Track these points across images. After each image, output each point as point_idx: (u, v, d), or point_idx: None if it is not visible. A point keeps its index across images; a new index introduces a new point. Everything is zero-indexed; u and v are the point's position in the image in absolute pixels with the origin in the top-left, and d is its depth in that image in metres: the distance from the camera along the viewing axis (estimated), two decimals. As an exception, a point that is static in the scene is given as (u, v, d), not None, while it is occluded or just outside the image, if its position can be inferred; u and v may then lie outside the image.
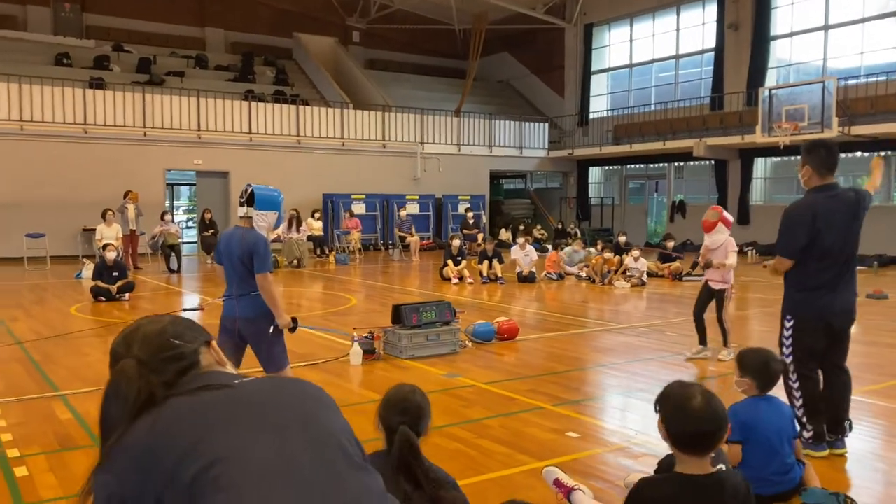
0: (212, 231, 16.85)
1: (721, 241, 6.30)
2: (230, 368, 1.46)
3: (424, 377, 6.07)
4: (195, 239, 20.64)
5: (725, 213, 6.37)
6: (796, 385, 3.75)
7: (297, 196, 19.01)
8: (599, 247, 14.25)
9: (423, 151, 21.75)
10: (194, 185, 21.68)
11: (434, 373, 6.20)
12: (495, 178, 25.49)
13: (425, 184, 21.59)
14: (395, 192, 20.79)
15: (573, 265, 14.09)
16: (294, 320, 4.31)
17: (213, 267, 4.92)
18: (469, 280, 12.88)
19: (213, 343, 1.46)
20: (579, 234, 21.64)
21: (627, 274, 13.00)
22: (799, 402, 3.78)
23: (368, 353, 6.56)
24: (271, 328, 4.23)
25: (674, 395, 1.93)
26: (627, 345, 7.67)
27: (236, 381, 1.36)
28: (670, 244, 14.05)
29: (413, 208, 20.32)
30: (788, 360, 3.83)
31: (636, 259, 12.93)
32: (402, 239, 17.83)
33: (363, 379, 6.30)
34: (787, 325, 3.81)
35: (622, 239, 14.58)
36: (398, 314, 6.79)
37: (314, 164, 19.98)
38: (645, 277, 12.95)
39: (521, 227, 22.08)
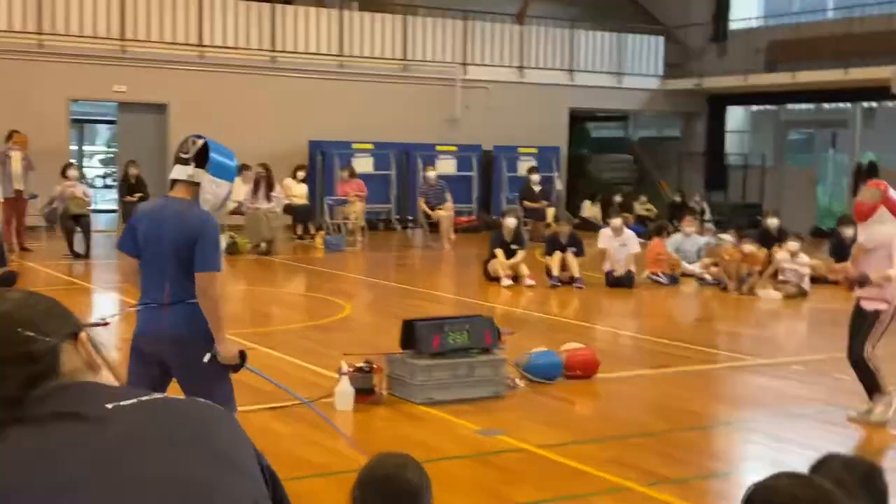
0: (139, 195, 17.22)
1: (884, 238, 6.19)
2: (106, 376, 1.47)
3: (448, 434, 6.15)
4: (114, 207, 21.09)
5: (891, 190, 6.30)
6: None
7: (268, 145, 19.27)
8: (736, 235, 14.13)
9: (466, 77, 21.89)
10: (114, 123, 22.18)
11: (463, 427, 6.28)
12: (578, 121, 25.50)
13: (468, 129, 21.74)
14: (420, 141, 20.98)
15: (693, 260, 14.08)
16: (242, 355, 4.40)
17: (122, 261, 5.00)
18: (529, 281, 12.96)
19: (84, 336, 1.44)
20: (706, 212, 21.52)
21: (780, 278, 12.88)
22: None
23: (364, 394, 6.66)
24: (206, 357, 4.31)
25: (766, 498, 1.85)
26: (772, 391, 7.69)
27: (109, 407, 1.36)
28: (848, 230, 13.83)
29: (447, 166, 20.46)
30: None
31: (794, 255, 12.84)
32: (429, 213, 17.98)
33: (353, 435, 6.39)
34: None
35: (773, 222, 14.39)
36: (411, 334, 6.87)
37: (297, 94, 20.25)
38: (807, 283, 12.85)
39: (618, 200, 22.03)
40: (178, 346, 4.29)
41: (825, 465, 2.38)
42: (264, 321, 10.48)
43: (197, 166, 4.36)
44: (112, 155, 27.54)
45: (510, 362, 7.33)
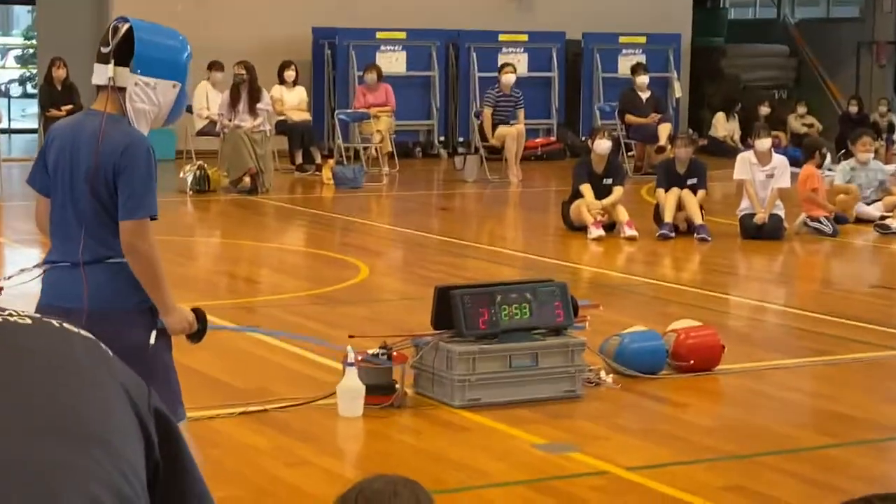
0: (68, 108, 17.39)
1: None
2: None
3: (498, 450, 6.20)
4: (34, 125, 21.32)
5: None
6: None
7: (252, 34, 19.37)
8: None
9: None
10: (33, 3, 22.31)
11: (520, 441, 6.33)
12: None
13: (545, 8, 21.63)
14: (475, 28, 20.92)
15: (872, 200, 14.01)
16: (199, 316, 4.56)
17: (37, 202, 5.09)
18: (629, 230, 12.96)
19: None
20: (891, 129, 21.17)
21: None
22: None
23: (380, 393, 6.74)
24: (152, 336, 4.43)
25: None
26: None
27: None
28: None
29: (515, 64, 20.26)
30: None
31: None
32: (486, 133, 17.93)
33: (363, 452, 6.50)
34: None
35: None
36: (448, 308, 6.92)
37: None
38: None
39: (765, 112, 21.78)
40: (99, 321, 4.14)
41: None
42: (247, 290, 10.64)
43: (119, 63, 4.40)
44: (32, 50, 27.83)
45: (593, 348, 7.38)
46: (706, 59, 23.76)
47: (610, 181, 13.26)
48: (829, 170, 15.36)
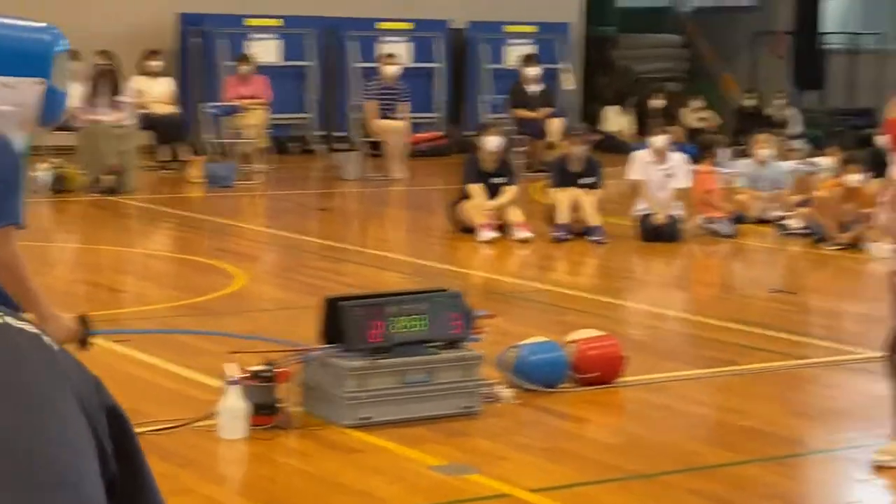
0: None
1: None
2: None
3: (392, 473, 6.21)
4: None
5: None
6: None
7: (112, 21, 19.16)
8: (838, 160, 14.28)
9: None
10: None
11: (417, 463, 6.34)
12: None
13: (427, -5, 21.70)
14: (354, 15, 20.91)
15: (769, 198, 14.26)
16: (82, 322, 4.59)
17: None
18: (522, 233, 13.06)
19: None
20: (793, 123, 21.63)
21: (903, 225, 13.02)
22: None
23: (264, 412, 6.70)
24: None
25: None
26: (885, 400, 7.76)
27: None
28: None
29: (399, 52, 20.29)
30: None
31: (924, 190, 12.97)
32: (368, 128, 17.94)
33: (246, 477, 6.43)
34: None
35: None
36: (337, 320, 6.92)
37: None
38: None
39: (658, 105, 22.07)
40: None
41: None
42: (109, 300, 10.48)
43: None
44: None
45: (490, 361, 7.40)
46: (597, 50, 24.02)
47: (501, 180, 13.32)
48: (724, 167, 15.65)
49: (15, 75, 4.36)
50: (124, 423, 1.49)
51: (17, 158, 4.38)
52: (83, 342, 4.59)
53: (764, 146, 14.64)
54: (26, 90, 4.38)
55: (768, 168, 14.50)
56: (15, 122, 4.39)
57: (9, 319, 1.46)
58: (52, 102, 4.46)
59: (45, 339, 1.48)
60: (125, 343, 8.31)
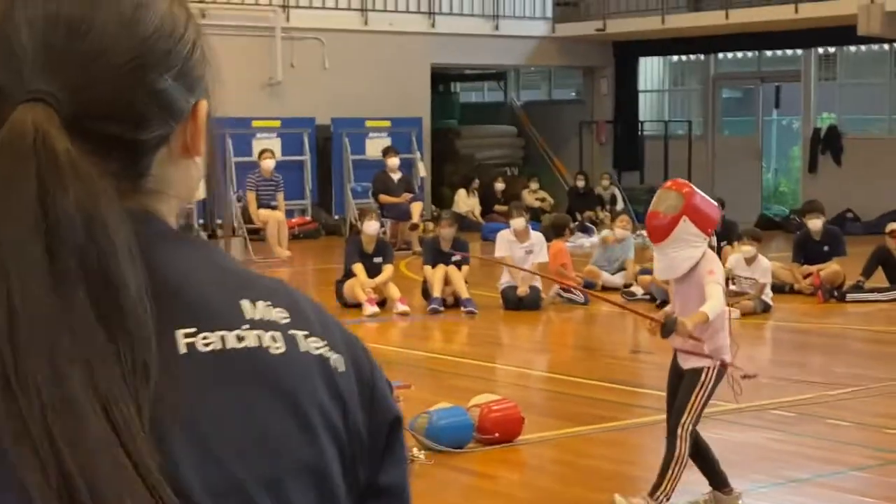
0: None
1: (688, 263, 5.92)
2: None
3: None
4: None
5: (698, 195, 6.04)
6: None
7: None
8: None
9: (290, 25, 21.67)
10: None
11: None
12: (443, 81, 25.34)
13: (295, 96, 21.50)
14: (229, 115, 19.85)
15: (612, 269, 14.25)
16: None
17: None
18: (401, 306, 12.83)
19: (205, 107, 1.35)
20: (619, 200, 21.73)
21: (732, 289, 12.94)
22: None
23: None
24: None
25: None
26: (756, 447, 7.68)
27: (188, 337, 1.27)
28: (815, 223, 14.13)
29: (271, 147, 19.86)
30: None
31: (750, 260, 13.04)
32: (251, 216, 17.47)
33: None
34: None
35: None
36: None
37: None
38: (769, 295, 13.07)
39: (499, 188, 21.98)
40: None
41: None
42: None
43: None
44: None
45: (404, 426, 6.96)
46: (443, 140, 24.01)
47: (380, 259, 13.19)
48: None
49: None
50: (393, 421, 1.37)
51: None
52: None
53: (622, 227, 14.56)
54: None
55: (619, 244, 14.44)
56: None
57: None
58: None
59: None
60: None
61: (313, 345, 1.31)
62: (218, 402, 1.23)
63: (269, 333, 1.28)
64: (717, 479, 6.24)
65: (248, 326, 1.27)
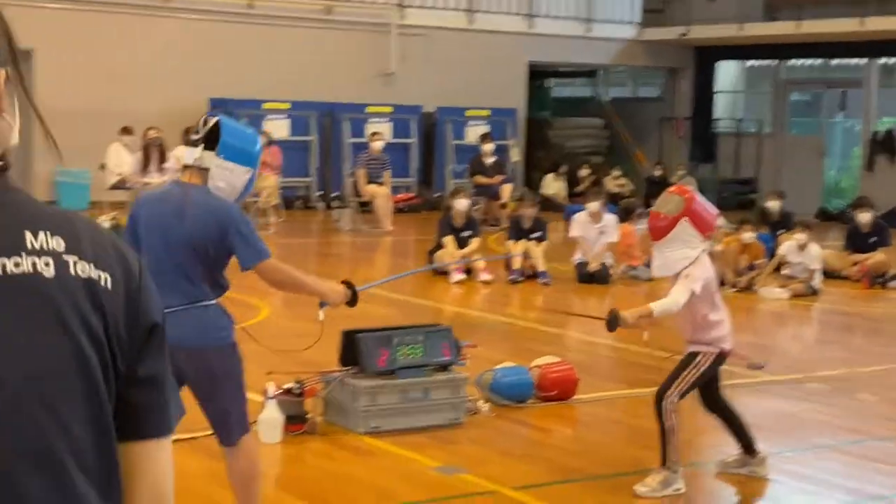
0: (-4, 165, 16.86)
1: (682, 263, 5.75)
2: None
3: (399, 472, 6.14)
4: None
5: (699, 200, 5.94)
6: None
7: (159, 103, 19.00)
8: (735, 221, 14.32)
9: (403, 23, 21.90)
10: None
11: (419, 464, 6.27)
12: (539, 77, 25.47)
13: (405, 86, 21.72)
14: (347, 101, 20.91)
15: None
16: (348, 286, 5.01)
17: None
18: (484, 276, 13.02)
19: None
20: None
21: (785, 273, 13.11)
22: None
23: (294, 423, 6.62)
24: (320, 314, 5.15)
25: None
26: (786, 417, 7.76)
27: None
28: (865, 216, 14.19)
29: (381, 131, 20.30)
30: None
31: (802, 246, 13.03)
32: (364, 191, 17.89)
33: (283, 474, 6.33)
34: None
35: (774, 205, 14.57)
36: (353, 348, 6.84)
37: (195, 41, 20.03)
38: (818, 281, 13.08)
39: (585, 174, 22.15)
40: (190, 357, 4.48)
41: None
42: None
43: (206, 149, 4.52)
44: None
45: (472, 382, 7.34)
46: (537, 129, 24.07)
47: (468, 234, 13.35)
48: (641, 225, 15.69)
49: (234, 162, 4.55)
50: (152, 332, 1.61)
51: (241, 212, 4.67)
52: (354, 300, 5.00)
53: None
54: (239, 175, 4.56)
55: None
56: (224, 195, 4.57)
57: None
58: (248, 188, 4.66)
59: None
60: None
61: (80, 269, 1.49)
62: None
63: (44, 259, 1.47)
64: (746, 443, 6.19)
65: (25, 254, 1.44)
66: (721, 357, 5.98)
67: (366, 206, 17.99)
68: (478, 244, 13.37)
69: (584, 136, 25.07)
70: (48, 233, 1.51)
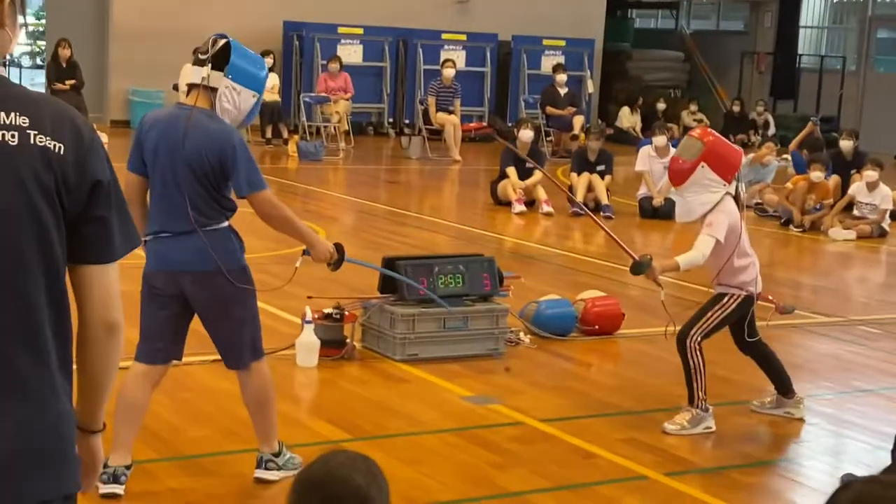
0: (71, 82, 17.07)
1: (703, 208, 5.69)
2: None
3: (431, 400, 6.16)
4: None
5: (721, 142, 5.80)
6: None
7: (233, 26, 18.80)
8: (804, 157, 14.00)
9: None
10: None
11: (451, 393, 6.28)
12: (618, 7, 25.02)
13: (481, 13, 21.56)
14: (421, 27, 20.75)
15: (747, 189, 14.03)
16: (338, 248, 4.88)
17: (125, 179, 5.01)
18: (546, 208, 12.93)
19: None
20: (770, 126, 21.33)
21: (854, 213, 12.82)
22: None
23: (332, 346, 6.66)
24: (298, 261, 5.03)
25: None
26: (833, 360, 7.68)
27: None
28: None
29: (455, 59, 20.14)
30: None
31: (873, 186, 12.76)
32: (430, 118, 17.82)
33: (316, 398, 6.39)
34: None
35: (847, 145, 14.17)
36: (392, 276, 6.84)
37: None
38: (887, 222, 12.82)
39: (661, 108, 21.82)
40: (201, 282, 4.53)
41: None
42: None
43: (214, 68, 4.46)
44: (42, 28, 27.37)
45: (514, 313, 7.32)
46: (614, 61, 23.72)
47: (532, 166, 13.14)
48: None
49: (242, 85, 4.51)
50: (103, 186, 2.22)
51: (244, 141, 4.63)
52: (338, 264, 4.90)
53: (768, 153, 14.20)
54: (246, 98, 4.52)
55: (765, 168, 14.22)
56: (230, 118, 4.54)
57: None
58: (253, 112, 4.63)
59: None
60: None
61: (38, 139, 2.06)
62: None
63: (10, 133, 2.04)
64: (782, 385, 6.15)
65: None
66: (748, 300, 5.90)
67: (436, 135, 17.93)
68: (540, 176, 13.13)
69: (663, 69, 24.68)
70: (17, 113, 2.05)
